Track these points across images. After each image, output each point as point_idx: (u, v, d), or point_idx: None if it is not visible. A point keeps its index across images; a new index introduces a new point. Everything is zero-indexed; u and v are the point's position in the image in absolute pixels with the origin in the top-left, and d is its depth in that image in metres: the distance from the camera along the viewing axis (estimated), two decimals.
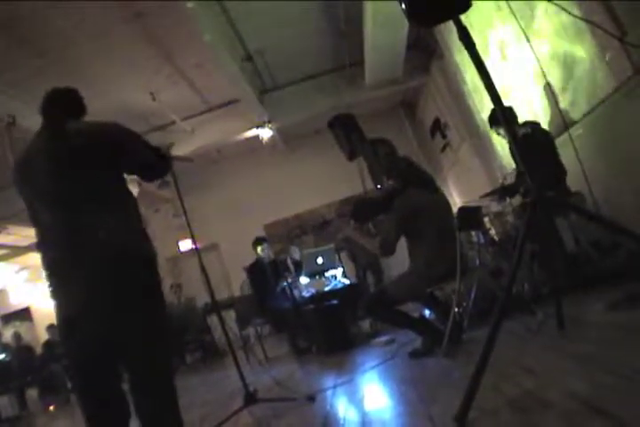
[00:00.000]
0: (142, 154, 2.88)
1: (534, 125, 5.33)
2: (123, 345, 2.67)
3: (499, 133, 5.69)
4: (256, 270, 7.34)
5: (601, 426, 1.70)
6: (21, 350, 10.48)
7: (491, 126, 5.69)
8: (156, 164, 3.02)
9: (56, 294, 2.68)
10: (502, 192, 5.48)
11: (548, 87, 5.90)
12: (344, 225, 5.06)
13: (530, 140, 5.00)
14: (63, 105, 2.94)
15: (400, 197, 4.28)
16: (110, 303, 2.58)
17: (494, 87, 2.46)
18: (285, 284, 6.91)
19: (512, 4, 6.08)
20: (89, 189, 2.66)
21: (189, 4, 6.96)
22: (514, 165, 5.73)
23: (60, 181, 2.64)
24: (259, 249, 7.49)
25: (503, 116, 2.69)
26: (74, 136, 2.70)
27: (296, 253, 7.66)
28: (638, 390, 1.87)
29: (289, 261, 7.55)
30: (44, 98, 2.96)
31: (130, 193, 2.89)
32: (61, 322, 2.70)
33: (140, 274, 2.68)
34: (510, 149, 5.45)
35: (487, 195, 5.72)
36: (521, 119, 5.71)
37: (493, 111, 5.48)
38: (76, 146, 2.66)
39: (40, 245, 2.72)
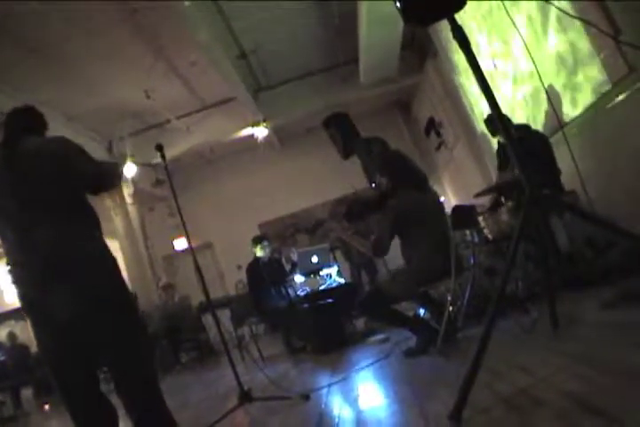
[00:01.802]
0: (85, 168, 2.93)
1: (526, 128, 5.34)
2: (98, 350, 2.79)
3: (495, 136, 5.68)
4: (255, 270, 7.32)
5: (594, 424, 1.70)
6: (16, 349, 10.45)
7: (493, 135, 5.67)
8: (100, 178, 3.08)
9: (25, 306, 2.80)
10: (496, 192, 5.50)
11: (543, 86, 5.91)
12: (337, 226, 5.06)
13: (525, 143, 5.00)
14: (21, 123, 3.02)
15: (393, 198, 4.27)
16: (78, 312, 2.67)
17: (489, 86, 2.46)
18: (282, 285, 6.92)
19: (506, 3, 6.08)
20: (43, 205, 2.77)
21: (187, 3, 6.96)
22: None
23: (15, 199, 2.75)
24: (258, 248, 7.44)
25: (499, 116, 2.69)
26: (25, 154, 2.80)
27: (294, 255, 7.64)
28: (632, 388, 1.88)
29: (284, 261, 7.53)
30: (4, 118, 3.07)
31: (87, 205, 2.99)
32: (35, 333, 2.83)
33: (98, 281, 2.77)
34: (504, 152, 5.45)
35: (481, 194, 5.72)
36: (516, 120, 5.72)
37: (490, 117, 5.48)
38: (27, 164, 2.77)
39: (7, 257, 2.82)
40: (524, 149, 4.57)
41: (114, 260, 2.94)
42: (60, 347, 2.73)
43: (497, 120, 2.54)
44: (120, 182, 3.37)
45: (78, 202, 2.93)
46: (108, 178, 3.19)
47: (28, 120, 3.10)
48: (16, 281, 2.77)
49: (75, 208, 2.88)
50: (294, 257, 7.62)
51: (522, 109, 6.77)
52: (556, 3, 4.62)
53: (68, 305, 2.64)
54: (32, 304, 2.76)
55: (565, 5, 4.91)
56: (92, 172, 2.97)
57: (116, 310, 2.79)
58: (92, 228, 2.93)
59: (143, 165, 11.39)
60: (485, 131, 6.39)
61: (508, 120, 5.51)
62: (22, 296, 2.78)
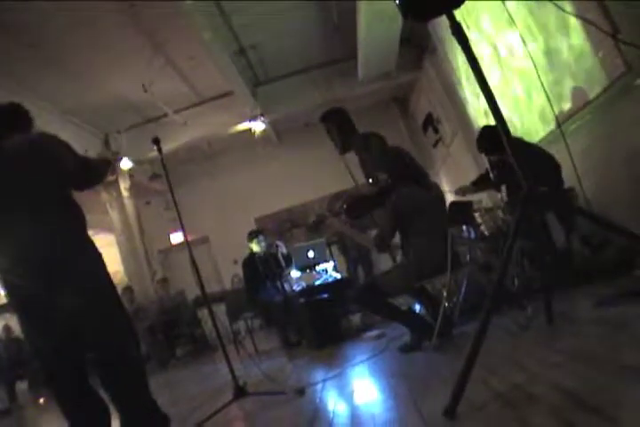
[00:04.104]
0: (70, 165, 2.96)
1: (516, 141, 5.29)
2: (86, 346, 2.84)
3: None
4: (250, 264, 7.32)
5: (588, 420, 1.71)
6: (11, 342, 10.44)
7: (485, 154, 5.57)
8: (84, 175, 3.13)
9: (12, 301, 2.85)
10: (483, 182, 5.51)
11: (541, 83, 5.90)
12: (335, 221, 5.06)
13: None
14: (6, 121, 3.02)
15: (393, 195, 4.26)
16: (64, 308, 2.72)
17: (486, 82, 2.46)
18: (278, 279, 6.93)
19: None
20: (28, 201, 2.79)
21: (188, 2, 6.98)
22: None
23: (1, 195, 2.79)
24: (254, 242, 7.45)
25: (497, 115, 2.68)
26: (9, 152, 2.82)
27: (282, 248, 7.65)
28: (627, 386, 1.89)
29: (280, 256, 7.54)
30: None
31: (73, 202, 3.02)
32: (23, 329, 2.90)
33: (84, 278, 2.81)
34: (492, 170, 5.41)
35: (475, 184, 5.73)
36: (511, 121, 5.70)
37: (481, 135, 5.41)
38: (11, 161, 2.80)
39: None
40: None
41: (99, 256, 2.97)
42: (49, 342, 2.74)
43: (495, 116, 2.53)
44: (104, 179, 3.39)
45: (63, 198, 2.96)
46: (93, 176, 3.22)
47: (13, 118, 3.10)
48: (4, 276, 2.79)
49: (60, 205, 2.91)
50: (282, 249, 7.63)
51: (519, 107, 6.78)
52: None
53: (55, 301, 2.66)
54: (19, 300, 2.78)
55: (564, 3, 4.91)
56: (77, 169, 2.99)
57: (102, 307, 2.82)
58: (77, 224, 2.95)
59: (139, 162, 11.39)
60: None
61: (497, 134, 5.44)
62: (9, 292, 2.80)
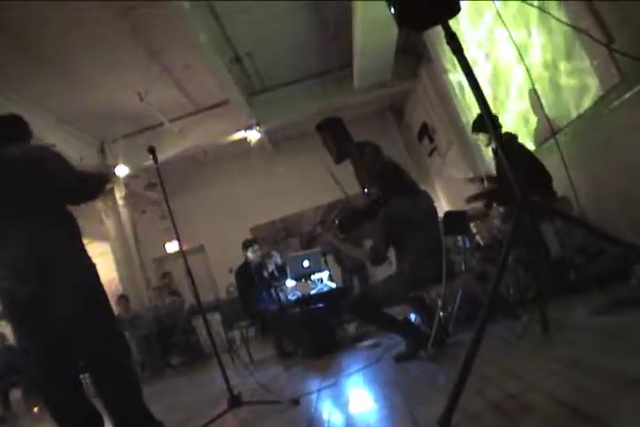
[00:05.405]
0: (63, 178, 2.96)
1: (510, 136, 5.35)
2: (78, 353, 2.85)
3: (478, 139, 5.70)
4: (244, 273, 7.31)
5: None
6: (6, 350, 10.38)
7: (472, 131, 5.70)
8: (78, 189, 3.13)
9: (6, 309, 2.86)
10: (488, 196, 5.50)
11: (535, 93, 5.92)
12: (328, 237, 5.10)
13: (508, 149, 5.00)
14: (4, 132, 3.05)
15: (384, 208, 4.27)
16: (56, 316, 2.72)
17: (482, 92, 2.47)
18: (272, 288, 6.92)
19: (500, 9, 6.11)
20: (22, 212, 2.82)
21: (186, 5, 6.97)
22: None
23: None
24: (249, 251, 7.45)
25: (490, 121, 2.70)
26: (5, 162, 2.85)
27: (277, 257, 7.65)
28: (622, 394, 1.88)
29: (274, 266, 7.53)
30: None
31: (66, 213, 3.04)
32: (17, 336, 2.92)
33: (75, 287, 2.81)
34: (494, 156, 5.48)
35: (474, 197, 5.73)
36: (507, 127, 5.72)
37: (479, 117, 5.50)
38: (6, 171, 2.83)
39: None
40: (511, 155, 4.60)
41: (93, 265, 2.99)
42: (41, 349, 2.73)
43: (494, 134, 2.54)
44: (100, 194, 3.40)
45: (57, 209, 2.97)
46: (89, 191, 3.22)
47: (12, 129, 3.11)
48: None
49: (53, 215, 2.92)
50: (277, 260, 7.62)
51: (514, 116, 6.79)
52: (551, 9, 4.64)
53: (47, 309, 2.66)
54: (11, 306, 2.78)
55: (559, 13, 4.94)
56: (73, 183, 2.99)
57: (93, 315, 2.83)
58: (70, 234, 2.97)
59: (135, 170, 11.38)
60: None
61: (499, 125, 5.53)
62: (2, 299, 2.80)
